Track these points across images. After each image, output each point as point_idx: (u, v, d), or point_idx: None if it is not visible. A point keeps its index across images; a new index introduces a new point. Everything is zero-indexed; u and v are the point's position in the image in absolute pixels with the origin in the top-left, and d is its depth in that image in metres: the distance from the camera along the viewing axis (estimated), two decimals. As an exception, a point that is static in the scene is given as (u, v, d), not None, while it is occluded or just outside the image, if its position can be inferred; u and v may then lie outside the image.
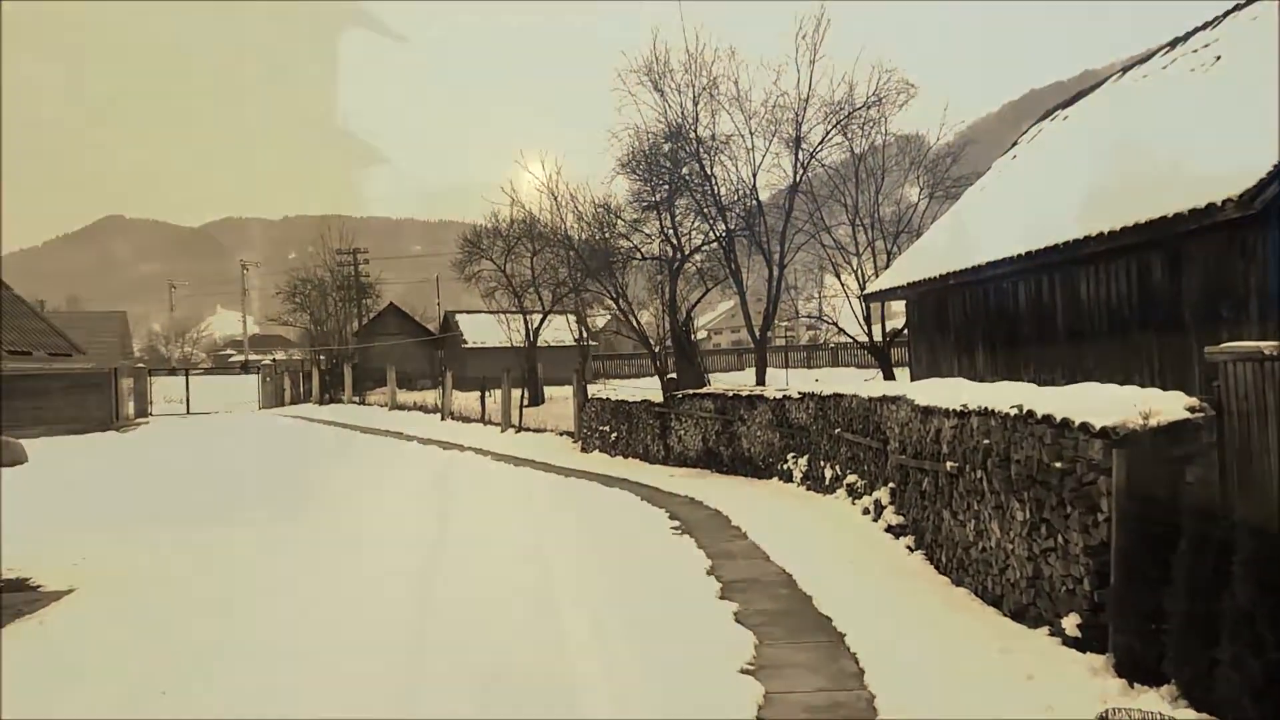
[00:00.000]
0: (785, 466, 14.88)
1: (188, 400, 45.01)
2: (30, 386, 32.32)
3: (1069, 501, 6.22)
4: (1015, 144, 16.41)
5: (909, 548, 9.64)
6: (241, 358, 72.15)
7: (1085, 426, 5.98)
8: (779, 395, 15.43)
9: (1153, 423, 5.64)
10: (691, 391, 18.83)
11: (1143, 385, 7.68)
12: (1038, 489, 6.64)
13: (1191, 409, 5.78)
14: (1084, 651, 5.86)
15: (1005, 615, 7.14)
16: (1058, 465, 6.32)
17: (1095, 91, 14.09)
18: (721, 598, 8.01)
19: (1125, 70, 13.38)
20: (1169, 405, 5.87)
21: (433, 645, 6.87)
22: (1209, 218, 7.52)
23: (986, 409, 7.57)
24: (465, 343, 47.00)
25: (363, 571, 9.60)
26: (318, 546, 11.09)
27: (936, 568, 8.89)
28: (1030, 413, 6.72)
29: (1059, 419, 6.32)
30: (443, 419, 32.01)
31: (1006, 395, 7.55)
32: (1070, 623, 6.03)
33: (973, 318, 12.79)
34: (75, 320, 39.34)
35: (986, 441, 7.56)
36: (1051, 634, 6.34)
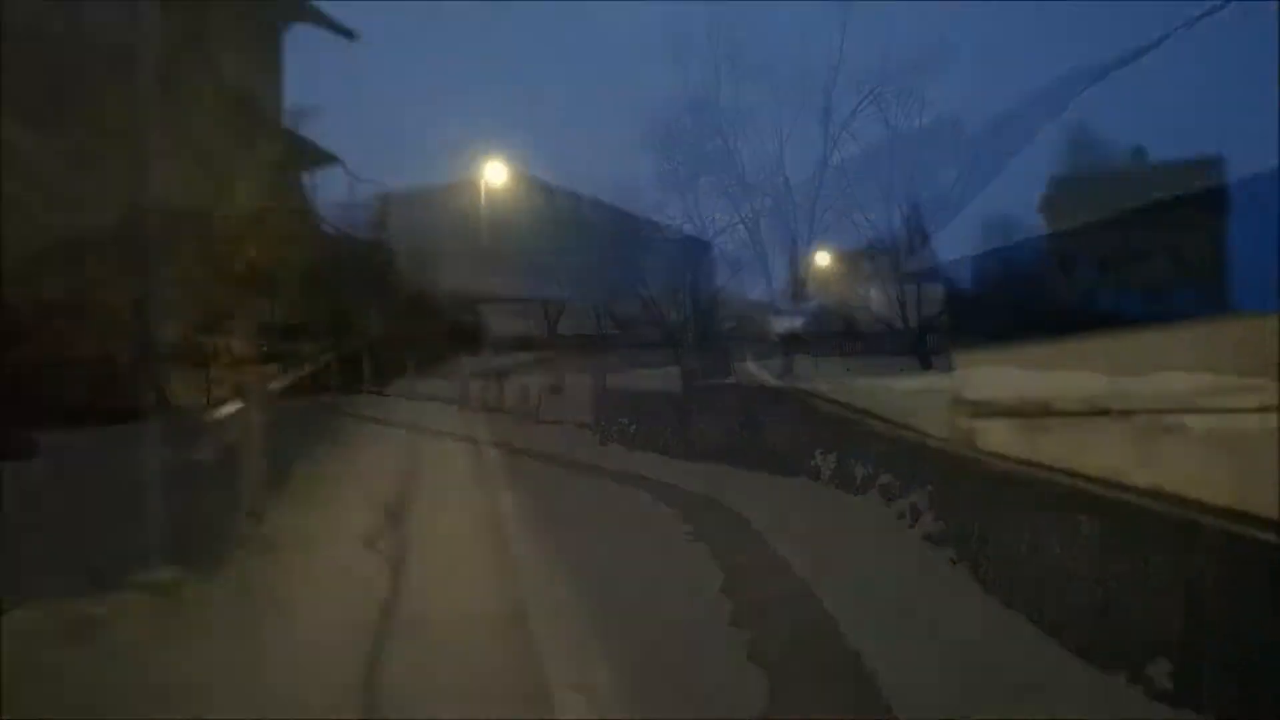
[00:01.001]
0: (812, 463, 13.73)
1: (208, 391, 44.71)
2: (50, 376, 31.86)
3: (1154, 517, 5.03)
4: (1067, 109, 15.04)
5: (951, 560, 8.44)
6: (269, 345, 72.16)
7: (1178, 425, 4.80)
8: (806, 386, 14.33)
9: (1273, 421, 4.46)
10: (713, 382, 17.78)
11: (1240, 375, 6.47)
12: (1111, 499, 5.46)
13: (1317, 404, 4.60)
14: (1177, 707, 4.68)
15: (1069, 650, 5.96)
16: (1140, 471, 5.15)
17: (1162, 44, 12.70)
18: (733, 623, 6.90)
19: (1198, 19, 11.97)
20: (1287, 399, 4.69)
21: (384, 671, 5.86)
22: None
23: (1046, 403, 6.40)
24: (487, 330, 46.06)
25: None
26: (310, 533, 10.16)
27: (983, 585, 7.69)
28: (1104, 409, 5.55)
29: (1141, 415, 5.15)
30: (459, 409, 31.17)
31: (1070, 387, 6.39)
32: (1160, 671, 4.84)
33: (1022, 300, 11.56)
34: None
35: (1045, 440, 6.39)
36: (1132, 681, 5.15)
